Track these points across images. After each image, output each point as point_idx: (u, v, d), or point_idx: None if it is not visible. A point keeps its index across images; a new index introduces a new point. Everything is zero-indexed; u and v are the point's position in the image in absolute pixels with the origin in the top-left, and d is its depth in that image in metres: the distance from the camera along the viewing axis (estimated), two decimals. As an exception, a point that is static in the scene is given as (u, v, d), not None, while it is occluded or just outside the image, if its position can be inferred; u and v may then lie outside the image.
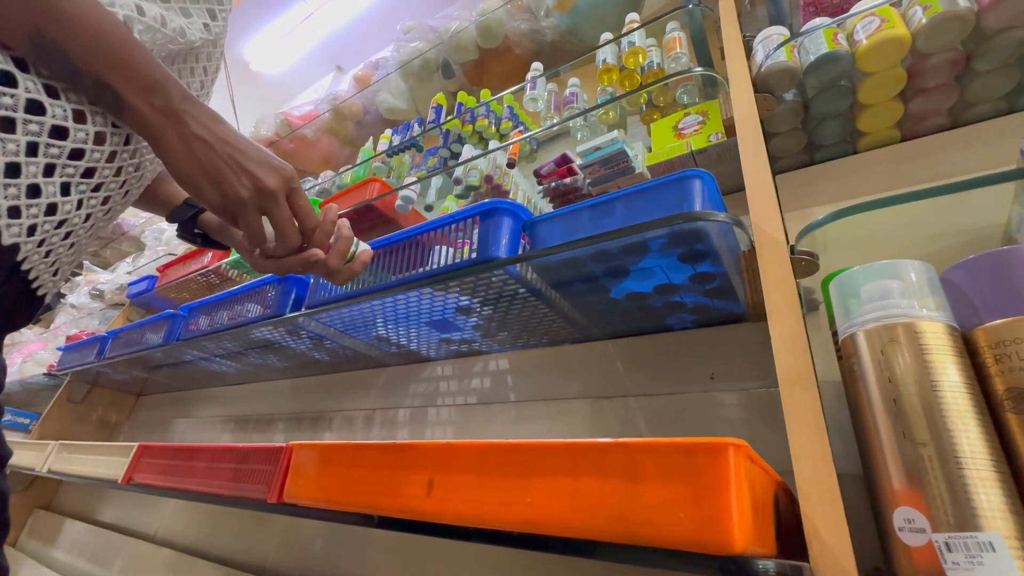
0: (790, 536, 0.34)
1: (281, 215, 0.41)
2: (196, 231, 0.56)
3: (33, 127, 0.34)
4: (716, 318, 0.68)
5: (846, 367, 0.39)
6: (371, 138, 1.38)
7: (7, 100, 0.32)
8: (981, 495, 0.29)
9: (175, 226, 0.56)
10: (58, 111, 0.35)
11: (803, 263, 0.46)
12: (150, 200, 0.56)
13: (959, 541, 0.29)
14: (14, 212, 0.34)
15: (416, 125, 1.26)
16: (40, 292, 0.40)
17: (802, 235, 0.48)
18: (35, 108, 0.34)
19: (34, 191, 0.35)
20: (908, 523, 0.31)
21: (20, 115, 0.33)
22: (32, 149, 0.34)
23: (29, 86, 0.33)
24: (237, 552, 1.00)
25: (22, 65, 0.34)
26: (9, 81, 0.33)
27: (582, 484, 0.31)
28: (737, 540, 0.25)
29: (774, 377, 0.39)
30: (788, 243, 0.47)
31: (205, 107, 0.39)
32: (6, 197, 0.33)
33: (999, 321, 0.35)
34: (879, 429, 0.34)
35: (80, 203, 0.38)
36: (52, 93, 0.35)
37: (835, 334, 0.47)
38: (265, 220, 0.42)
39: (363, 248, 0.49)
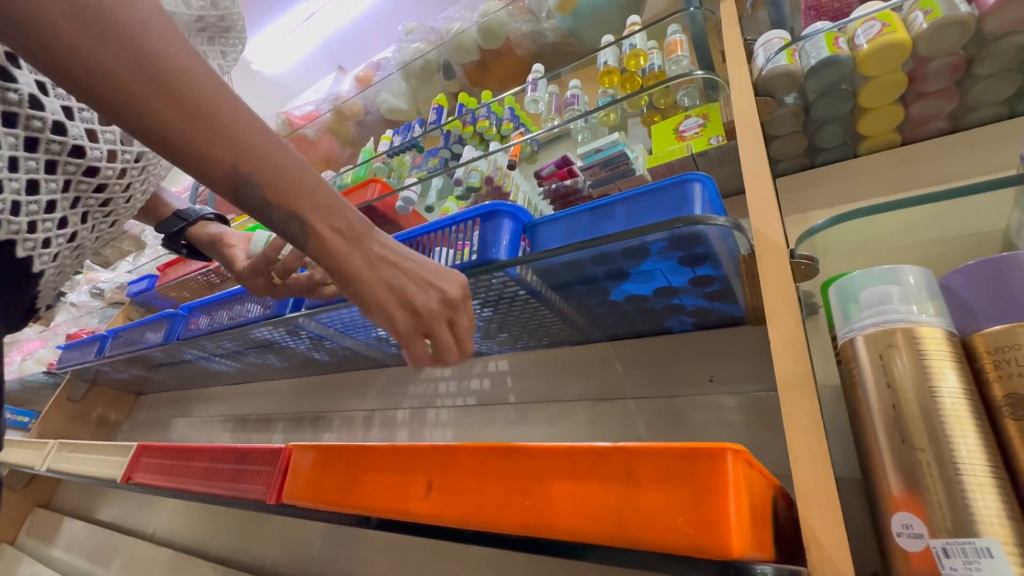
0: (788, 540, 0.34)
1: (463, 323, 0.41)
2: (183, 242, 0.57)
3: (71, 168, 0.36)
4: (715, 321, 0.68)
5: (845, 372, 0.39)
6: (372, 138, 1.39)
7: (55, 147, 0.35)
8: (979, 501, 0.29)
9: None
10: (95, 153, 0.37)
11: (803, 267, 0.46)
12: (140, 210, 0.57)
13: (957, 547, 0.29)
14: (46, 243, 0.36)
15: (417, 126, 1.26)
16: (38, 306, 0.42)
17: (802, 239, 0.48)
18: (76, 152, 0.36)
19: (63, 222, 0.37)
20: (906, 529, 0.31)
21: (63, 158, 0.36)
22: (66, 186, 0.37)
23: (75, 132, 0.36)
24: (236, 552, 1.00)
25: (69, 114, 0.36)
26: (60, 131, 0.35)
27: (581, 488, 0.31)
28: (735, 545, 0.25)
29: (773, 380, 0.40)
30: (788, 247, 0.47)
31: (376, 227, 0.39)
32: (43, 230, 0.35)
33: (998, 327, 0.35)
34: (878, 434, 0.34)
35: (93, 227, 0.41)
36: (92, 138, 0.37)
37: (834, 338, 0.47)
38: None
39: None
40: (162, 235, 0.58)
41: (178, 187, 1.96)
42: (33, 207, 0.34)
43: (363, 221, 0.38)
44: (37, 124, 0.34)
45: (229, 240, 0.55)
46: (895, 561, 0.32)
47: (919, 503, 0.31)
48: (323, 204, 0.36)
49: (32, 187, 0.34)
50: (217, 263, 0.59)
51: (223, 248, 0.54)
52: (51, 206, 0.35)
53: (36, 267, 0.36)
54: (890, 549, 0.32)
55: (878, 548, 0.34)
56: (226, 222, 0.60)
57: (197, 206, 0.58)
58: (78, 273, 1.93)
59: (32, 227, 0.34)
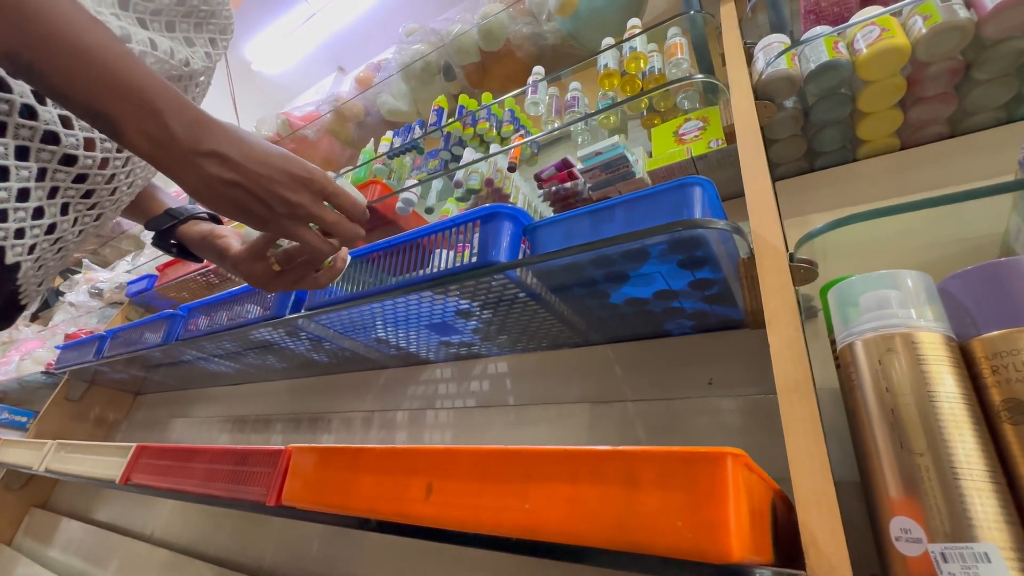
0: (787, 544, 0.34)
1: (327, 219, 0.40)
2: (172, 242, 0.55)
3: (44, 155, 0.35)
4: (715, 324, 0.68)
5: (844, 376, 0.40)
6: (372, 140, 1.39)
7: (25, 132, 0.33)
8: (977, 505, 0.30)
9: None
10: (71, 140, 0.36)
11: (802, 271, 0.46)
12: (129, 208, 0.56)
13: (955, 552, 0.29)
14: (19, 234, 0.35)
15: (417, 127, 1.26)
16: (23, 302, 0.40)
17: (801, 243, 0.48)
18: (50, 138, 0.35)
19: (38, 213, 0.36)
20: (905, 533, 0.31)
21: (35, 144, 0.34)
22: (41, 174, 0.35)
23: (48, 117, 0.34)
24: (234, 553, 0.99)
25: (40, 97, 0.34)
26: (31, 114, 0.34)
27: (580, 491, 0.31)
28: (735, 549, 0.25)
29: (772, 384, 0.40)
30: (787, 250, 0.47)
31: (216, 131, 0.34)
32: (16, 219, 0.34)
33: (996, 332, 0.36)
34: (876, 438, 0.34)
35: (76, 220, 0.39)
36: (67, 124, 0.36)
37: (833, 342, 0.47)
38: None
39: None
40: (152, 233, 0.56)
41: (175, 188, 1.96)
42: (3, 194, 0.32)
43: (189, 128, 0.33)
44: (3, 107, 0.32)
45: (220, 231, 0.52)
46: (894, 565, 0.32)
47: (917, 507, 0.31)
48: (135, 104, 0.31)
49: (2, 173, 0.33)
50: (212, 263, 0.57)
51: (214, 240, 0.51)
52: (24, 194, 0.33)
53: (9, 258, 0.34)
54: (889, 553, 0.32)
55: (876, 552, 0.34)
56: (219, 222, 0.57)
57: (190, 205, 0.57)
58: (75, 272, 1.93)
59: (2, 216, 0.33)
